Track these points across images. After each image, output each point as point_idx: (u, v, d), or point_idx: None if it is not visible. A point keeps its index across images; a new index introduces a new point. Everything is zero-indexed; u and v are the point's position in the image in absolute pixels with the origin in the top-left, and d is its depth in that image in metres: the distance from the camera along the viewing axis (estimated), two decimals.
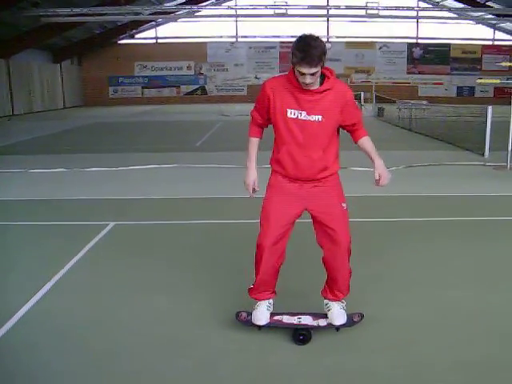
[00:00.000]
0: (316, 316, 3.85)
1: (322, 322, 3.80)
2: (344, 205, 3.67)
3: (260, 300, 3.80)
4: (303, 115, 3.42)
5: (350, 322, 3.80)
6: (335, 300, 3.79)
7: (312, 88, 3.36)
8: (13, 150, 14.41)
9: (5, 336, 3.80)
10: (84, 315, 4.17)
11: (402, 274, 4.97)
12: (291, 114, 3.44)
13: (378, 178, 3.59)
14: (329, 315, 3.78)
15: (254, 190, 3.83)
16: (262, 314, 3.76)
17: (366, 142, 3.66)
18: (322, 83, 3.40)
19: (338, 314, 3.75)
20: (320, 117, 3.41)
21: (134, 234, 6.37)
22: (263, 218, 3.66)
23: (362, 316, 3.87)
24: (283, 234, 3.63)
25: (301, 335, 3.68)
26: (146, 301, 4.41)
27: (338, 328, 3.75)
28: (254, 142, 3.80)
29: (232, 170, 10.49)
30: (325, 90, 3.39)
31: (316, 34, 3.30)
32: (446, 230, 6.44)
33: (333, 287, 3.79)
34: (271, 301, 3.84)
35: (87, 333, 3.88)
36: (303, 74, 3.26)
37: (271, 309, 3.82)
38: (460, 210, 7.47)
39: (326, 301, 3.84)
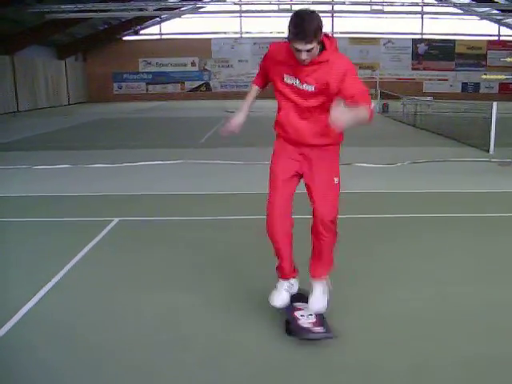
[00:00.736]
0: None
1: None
2: (336, 179, 3.61)
3: (280, 278, 3.84)
4: (297, 83, 3.43)
5: (310, 335, 3.62)
6: (317, 277, 3.75)
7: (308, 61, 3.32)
8: (17, 146, 14.43)
9: (8, 333, 3.81)
10: (87, 312, 4.18)
11: (403, 270, 4.97)
12: (287, 79, 3.47)
13: (335, 104, 3.10)
14: (309, 298, 3.76)
15: (232, 128, 3.77)
16: (278, 294, 3.82)
17: (359, 107, 3.24)
18: (319, 54, 3.34)
19: (315, 299, 3.72)
20: (313, 86, 3.38)
21: (138, 230, 6.38)
22: (271, 182, 3.70)
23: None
24: (290, 194, 3.65)
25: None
26: (150, 297, 4.42)
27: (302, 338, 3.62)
28: (253, 88, 3.84)
29: (237, 166, 10.51)
30: (320, 62, 3.33)
31: (312, 9, 3.26)
32: (449, 225, 6.43)
33: (318, 262, 3.75)
34: (292, 281, 3.85)
35: (90, 329, 3.89)
36: (299, 51, 3.24)
37: (291, 290, 3.85)
38: (464, 207, 7.45)
39: (310, 280, 3.82)
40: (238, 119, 3.80)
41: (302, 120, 3.53)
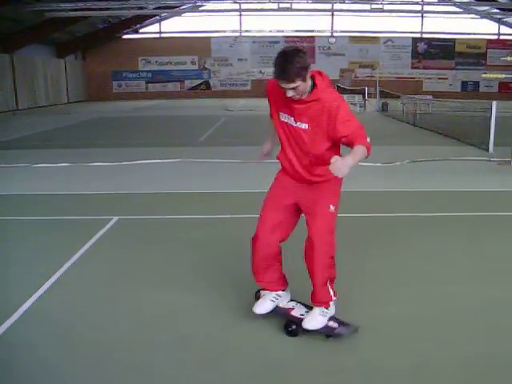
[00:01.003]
0: (308, 309, 3.83)
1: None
2: (332, 207, 3.59)
3: (263, 289, 3.90)
4: (291, 121, 3.46)
5: (327, 329, 3.65)
6: (315, 304, 3.72)
7: (301, 97, 3.34)
8: (17, 144, 14.42)
9: (7, 331, 3.81)
10: (86, 310, 4.18)
11: (403, 269, 4.97)
12: (283, 117, 3.51)
13: (333, 161, 3.11)
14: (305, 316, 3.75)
15: (263, 156, 3.98)
16: (262, 302, 3.85)
17: (355, 147, 3.27)
18: (310, 92, 3.35)
19: (311, 318, 3.68)
20: (306, 125, 3.40)
21: (137, 229, 6.37)
22: (261, 208, 3.77)
23: (348, 329, 3.69)
24: (276, 224, 3.67)
25: (289, 328, 3.72)
26: (150, 296, 4.42)
27: (327, 335, 3.65)
28: (271, 121, 3.82)
29: (236, 165, 10.50)
30: (312, 100, 3.34)
31: (300, 48, 3.29)
32: (448, 225, 6.43)
33: (313, 290, 3.72)
34: (280, 293, 3.87)
35: (89, 328, 3.89)
36: (283, 88, 3.28)
37: (278, 301, 3.86)
38: (463, 206, 7.45)
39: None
40: (267, 147, 4.01)
41: (298, 160, 3.54)
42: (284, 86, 3.25)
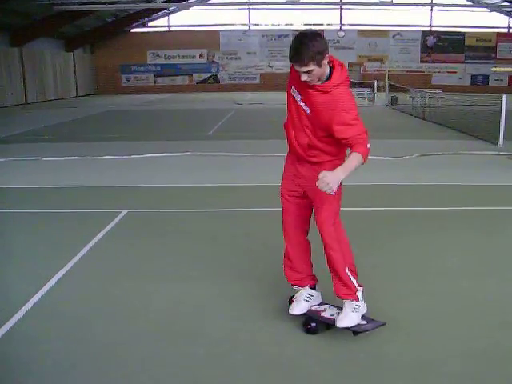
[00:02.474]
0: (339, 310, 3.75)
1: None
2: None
3: (295, 285, 3.84)
4: (299, 99, 3.44)
5: (356, 327, 3.57)
6: (343, 297, 3.65)
7: (316, 83, 3.31)
8: (27, 138, 14.47)
9: (17, 324, 3.83)
10: (96, 303, 4.19)
11: (415, 264, 4.95)
12: (293, 92, 3.49)
13: (321, 176, 3.11)
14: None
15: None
16: (297, 304, 3.79)
17: (351, 156, 3.26)
18: (324, 82, 3.32)
19: (344, 315, 3.59)
20: (308, 109, 3.40)
21: (146, 222, 6.39)
22: (281, 199, 3.77)
23: (375, 324, 3.64)
24: (297, 211, 3.69)
25: (309, 326, 3.68)
26: (158, 289, 4.43)
27: (354, 332, 3.57)
28: None
29: (244, 159, 10.50)
30: (320, 91, 3.32)
31: (318, 32, 3.25)
32: (459, 219, 6.41)
33: (334, 282, 3.67)
34: (311, 291, 3.82)
35: (99, 320, 3.91)
36: (298, 71, 3.26)
37: (311, 301, 3.81)
38: (473, 200, 7.42)
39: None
40: None
41: (296, 136, 3.53)
42: (298, 69, 3.22)
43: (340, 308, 3.70)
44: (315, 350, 3.48)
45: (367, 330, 3.58)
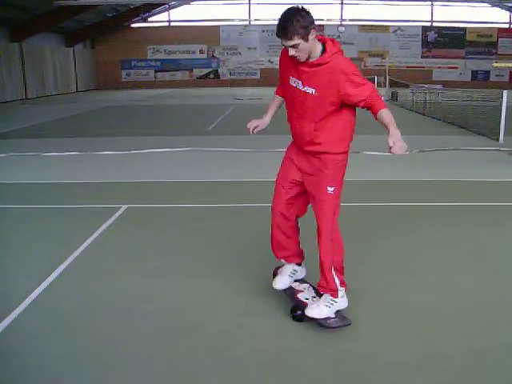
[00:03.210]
0: (317, 295, 3.82)
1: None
2: (330, 189, 3.54)
3: (280, 259, 3.96)
4: (300, 85, 3.44)
5: (323, 320, 3.59)
6: (321, 291, 3.70)
7: (309, 60, 3.34)
8: (26, 133, 14.45)
9: (16, 320, 3.82)
10: (96, 298, 4.19)
11: (415, 259, 4.95)
12: (292, 81, 3.49)
13: (391, 144, 3.26)
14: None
15: (252, 131, 3.94)
16: (281, 278, 3.91)
17: (382, 115, 3.34)
18: (320, 56, 3.35)
19: (315, 305, 3.64)
20: (313, 90, 3.38)
21: (146, 217, 6.38)
22: (276, 181, 3.84)
23: (342, 323, 3.63)
24: (290, 199, 3.73)
25: (295, 313, 3.75)
26: (158, 284, 4.43)
27: (319, 324, 3.59)
28: (275, 97, 3.92)
29: (244, 154, 10.48)
30: (320, 64, 3.33)
31: (304, 8, 3.25)
32: (459, 214, 6.39)
33: (320, 273, 3.70)
34: (296, 267, 3.93)
35: (98, 316, 3.90)
36: (286, 46, 3.30)
37: (295, 276, 3.94)
38: (474, 195, 7.41)
39: None
40: (257, 121, 3.94)
41: (299, 124, 3.55)
42: (284, 43, 3.27)
43: (319, 293, 3.78)
44: (315, 345, 3.47)
45: (331, 327, 3.57)
